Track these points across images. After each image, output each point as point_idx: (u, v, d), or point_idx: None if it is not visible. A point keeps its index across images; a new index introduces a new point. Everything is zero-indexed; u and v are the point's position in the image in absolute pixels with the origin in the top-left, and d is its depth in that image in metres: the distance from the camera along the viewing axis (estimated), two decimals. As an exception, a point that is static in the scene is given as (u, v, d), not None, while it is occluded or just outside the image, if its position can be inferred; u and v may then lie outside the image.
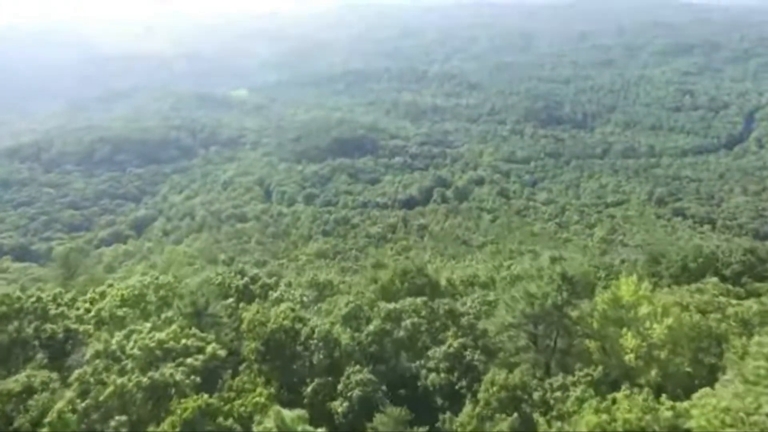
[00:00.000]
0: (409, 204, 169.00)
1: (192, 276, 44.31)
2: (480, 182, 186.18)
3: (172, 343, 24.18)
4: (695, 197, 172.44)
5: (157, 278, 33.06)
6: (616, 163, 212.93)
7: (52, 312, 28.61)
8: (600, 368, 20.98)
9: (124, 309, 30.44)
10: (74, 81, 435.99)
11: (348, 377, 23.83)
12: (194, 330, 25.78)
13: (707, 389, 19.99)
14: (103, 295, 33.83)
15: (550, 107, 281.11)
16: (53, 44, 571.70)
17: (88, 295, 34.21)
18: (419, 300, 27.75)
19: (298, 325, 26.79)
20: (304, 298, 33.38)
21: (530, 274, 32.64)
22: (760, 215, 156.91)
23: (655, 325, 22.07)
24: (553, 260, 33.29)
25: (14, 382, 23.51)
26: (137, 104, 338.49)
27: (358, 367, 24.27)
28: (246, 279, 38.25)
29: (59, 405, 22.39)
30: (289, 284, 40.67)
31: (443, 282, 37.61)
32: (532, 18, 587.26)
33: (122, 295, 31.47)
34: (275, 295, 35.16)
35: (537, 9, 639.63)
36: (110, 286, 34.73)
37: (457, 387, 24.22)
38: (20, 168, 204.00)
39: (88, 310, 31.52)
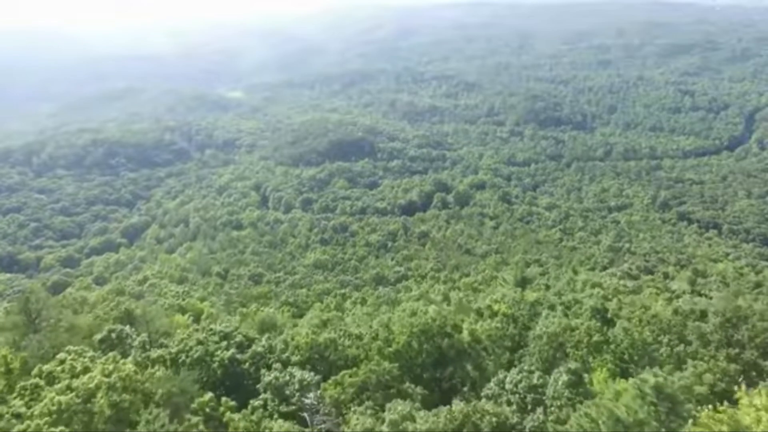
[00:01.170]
0: (409, 209, 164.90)
1: (171, 327, 39.75)
2: (481, 186, 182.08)
3: None
4: (699, 201, 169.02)
5: (110, 373, 25.18)
6: (618, 166, 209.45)
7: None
8: None
9: (60, 428, 22.64)
10: (67, 82, 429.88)
11: None
12: None
13: None
14: (50, 378, 26.22)
15: (549, 108, 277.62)
16: (47, 44, 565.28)
17: (31, 381, 26.05)
18: (457, 411, 22.18)
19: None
20: (305, 398, 26.35)
21: (576, 339, 28.11)
22: (767, 219, 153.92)
23: None
24: (595, 311, 28.73)
25: None
26: (131, 106, 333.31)
27: None
28: (232, 350, 32.42)
29: None
30: (285, 346, 34.87)
31: (466, 336, 32.93)
32: (530, 18, 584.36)
33: (60, 403, 23.31)
34: (269, 378, 28.95)
35: (535, 9, 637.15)
36: (62, 363, 27.14)
37: None
38: (10, 172, 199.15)
39: (16, 416, 23.45)
